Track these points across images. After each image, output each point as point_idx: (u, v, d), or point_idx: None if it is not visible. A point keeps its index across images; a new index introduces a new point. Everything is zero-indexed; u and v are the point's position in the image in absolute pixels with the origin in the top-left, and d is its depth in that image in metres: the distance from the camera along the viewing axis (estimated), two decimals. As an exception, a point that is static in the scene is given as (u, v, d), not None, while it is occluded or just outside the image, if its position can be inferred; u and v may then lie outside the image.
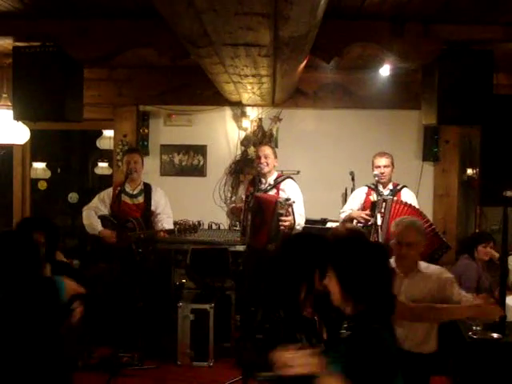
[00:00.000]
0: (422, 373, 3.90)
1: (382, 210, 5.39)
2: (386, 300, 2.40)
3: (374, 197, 5.65)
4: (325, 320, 2.65)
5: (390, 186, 5.69)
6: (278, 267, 2.87)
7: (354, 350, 2.24)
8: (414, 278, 3.88)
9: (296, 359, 2.17)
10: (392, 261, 3.84)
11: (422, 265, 3.96)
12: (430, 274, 3.89)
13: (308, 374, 2.16)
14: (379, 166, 5.65)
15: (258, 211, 5.39)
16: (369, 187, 5.78)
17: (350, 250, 2.43)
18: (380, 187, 5.68)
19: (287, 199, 5.40)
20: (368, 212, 5.51)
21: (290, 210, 5.35)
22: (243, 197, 5.78)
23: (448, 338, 5.19)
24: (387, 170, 5.64)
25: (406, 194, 5.69)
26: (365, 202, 5.73)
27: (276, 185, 5.67)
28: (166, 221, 5.90)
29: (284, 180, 5.72)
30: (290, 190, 5.65)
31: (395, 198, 5.49)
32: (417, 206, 5.56)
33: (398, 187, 5.70)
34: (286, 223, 5.33)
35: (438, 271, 3.94)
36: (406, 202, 5.46)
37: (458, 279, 5.78)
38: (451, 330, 5.10)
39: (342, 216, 5.80)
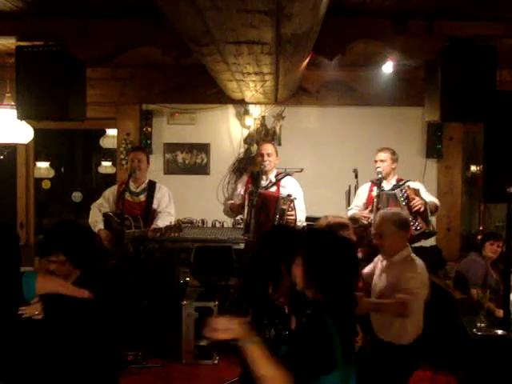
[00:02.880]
0: (403, 363, 3.92)
1: (379, 206, 5.41)
2: (346, 293, 2.48)
3: (375, 192, 5.66)
4: (293, 309, 2.75)
5: (393, 181, 5.70)
6: (252, 259, 3.04)
7: (294, 337, 2.42)
8: (387, 267, 4.03)
9: (221, 325, 2.30)
10: None
11: (401, 255, 4.00)
12: (398, 266, 3.94)
13: (230, 339, 2.29)
14: (376, 161, 5.70)
15: (263, 208, 5.40)
16: (372, 182, 5.81)
17: (317, 240, 2.56)
18: (383, 182, 5.68)
19: (289, 195, 5.45)
20: (367, 213, 5.57)
21: (292, 205, 5.38)
22: (241, 194, 5.77)
23: (452, 334, 5.21)
24: (384, 165, 5.65)
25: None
26: (368, 197, 5.76)
27: (276, 182, 5.70)
28: (163, 219, 5.80)
29: (284, 177, 5.78)
30: (290, 186, 5.70)
31: (393, 192, 5.51)
32: (424, 193, 5.59)
33: (401, 182, 5.70)
34: (291, 219, 5.36)
35: (406, 266, 3.95)
36: (408, 186, 5.51)
37: (465, 275, 5.83)
38: (455, 326, 5.11)
39: (349, 214, 5.83)
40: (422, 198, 5.44)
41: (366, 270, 4.31)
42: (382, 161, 5.67)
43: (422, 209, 5.38)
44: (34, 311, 3.09)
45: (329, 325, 2.34)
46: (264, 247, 2.92)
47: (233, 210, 5.93)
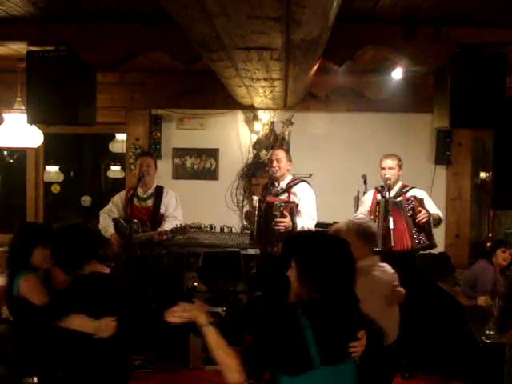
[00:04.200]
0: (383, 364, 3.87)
1: (376, 213, 5.39)
2: (342, 291, 2.51)
3: (378, 199, 5.65)
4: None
5: (397, 188, 5.67)
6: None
7: (265, 333, 2.50)
8: None
9: (179, 309, 2.59)
10: None
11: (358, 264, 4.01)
12: None
13: (185, 321, 2.59)
14: (384, 168, 5.66)
15: (265, 215, 5.43)
16: (376, 189, 5.78)
17: (308, 241, 2.62)
18: (386, 189, 5.67)
19: (286, 201, 5.42)
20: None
21: (286, 211, 5.31)
22: (256, 201, 5.78)
23: (461, 342, 5.18)
24: (392, 172, 5.62)
25: (414, 194, 5.65)
26: (372, 204, 5.73)
27: (288, 189, 5.63)
28: (169, 222, 5.80)
29: (297, 184, 5.68)
30: (301, 193, 5.61)
31: (399, 201, 5.49)
32: (428, 203, 5.54)
33: (405, 189, 5.67)
34: (281, 225, 5.30)
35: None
36: (414, 196, 5.49)
37: (474, 282, 5.80)
38: (464, 334, 5.09)
39: None
40: (427, 210, 5.40)
41: None
42: (390, 168, 5.63)
43: (426, 221, 5.34)
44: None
45: (304, 326, 2.39)
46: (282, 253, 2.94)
47: (247, 218, 6.09)
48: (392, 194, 5.62)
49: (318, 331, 2.40)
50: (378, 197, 5.65)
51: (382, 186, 5.70)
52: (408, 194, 5.62)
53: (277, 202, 5.38)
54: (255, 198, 5.66)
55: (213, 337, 2.53)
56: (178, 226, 5.57)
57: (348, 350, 2.50)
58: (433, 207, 5.62)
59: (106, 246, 5.77)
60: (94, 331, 3.17)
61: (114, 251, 5.65)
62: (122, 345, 3.26)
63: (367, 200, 5.83)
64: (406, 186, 5.71)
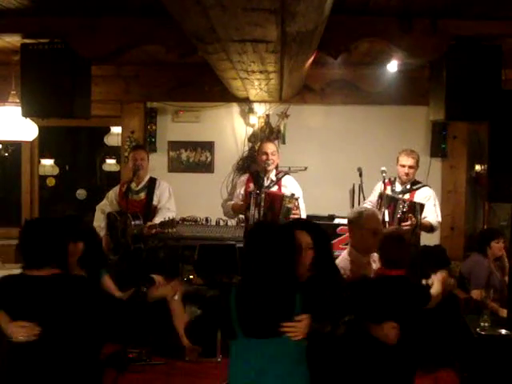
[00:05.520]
0: None
1: (382, 209, 5.40)
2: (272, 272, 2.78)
3: (388, 190, 5.64)
4: None
5: (408, 184, 5.67)
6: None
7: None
8: None
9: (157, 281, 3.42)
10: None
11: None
12: None
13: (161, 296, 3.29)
14: (404, 166, 5.62)
15: (270, 207, 5.42)
16: (389, 180, 5.74)
17: (253, 231, 3.03)
18: (397, 182, 5.67)
19: (292, 194, 5.47)
20: None
21: (297, 204, 5.40)
22: (242, 194, 5.76)
23: (456, 334, 5.20)
24: (412, 171, 5.62)
25: (423, 192, 5.68)
26: (380, 195, 5.72)
27: (278, 181, 5.70)
28: (161, 215, 5.78)
29: (284, 176, 5.78)
30: (291, 185, 5.72)
31: (398, 198, 5.49)
32: (430, 203, 5.58)
33: (415, 186, 5.68)
34: (296, 217, 5.35)
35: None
36: (410, 201, 5.49)
37: (468, 276, 5.80)
38: (459, 326, 5.11)
39: None
40: (416, 218, 5.35)
41: None
42: (411, 167, 5.61)
43: (408, 231, 5.25)
44: None
45: (231, 303, 2.77)
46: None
47: (235, 211, 5.87)
48: (400, 188, 5.61)
49: (240, 308, 2.75)
50: (389, 189, 5.63)
51: (395, 178, 5.71)
52: (417, 192, 5.64)
53: (287, 195, 5.44)
54: (252, 191, 5.62)
55: (178, 310, 3.27)
56: (167, 219, 5.52)
57: (279, 328, 2.70)
58: (432, 212, 5.63)
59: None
60: (8, 334, 2.92)
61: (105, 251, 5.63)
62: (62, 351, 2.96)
63: (378, 189, 5.78)
64: (418, 183, 5.70)
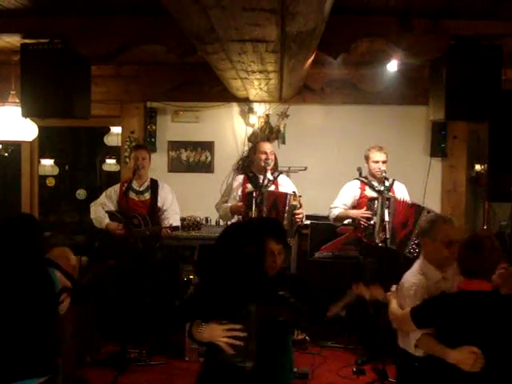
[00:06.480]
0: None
1: (377, 208, 5.37)
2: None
3: (369, 192, 5.63)
4: None
5: (386, 182, 5.63)
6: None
7: None
8: None
9: None
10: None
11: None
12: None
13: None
14: (378, 162, 5.58)
15: (273, 206, 5.41)
16: (361, 181, 5.72)
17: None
18: (374, 182, 5.64)
19: (294, 192, 5.47)
20: (366, 212, 5.49)
21: (301, 201, 5.41)
22: (239, 195, 5.74)
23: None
24: (385, 166, 5.58)
25: (398, 187, 5.68)
26: (360, 197, 5.68)
27: (274, 180, 5.70)
28: (172, 217, 5.87)
29: (279, 175, 5.81)
30: (286, 184, 5.73)
31: (398, 196, 5.49)
32: (407, 197, 5.58)
33: (390, 181, 5.65)
34: (300, 215, 5.39)
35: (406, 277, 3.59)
36: (404, 198, 5.48)
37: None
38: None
39: (336, 212, 5.73)
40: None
41: None
42: (383, 162, 5.57)
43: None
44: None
45: (198, 288, 3.31)
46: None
47: (233, 212, 5.71)
48: (382, 187, 5.58)
49: (206, 295, 3.09)
50: (369, 191, 5.62)
51: (366, 178, 5.69)
52: (395, 188, 5.64)
53: (291, 193, 5.43)
54: (250, 191, 5.61)
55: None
56: (191, 223, 5.68)
57: None
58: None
59: (99, 238, 5.78)
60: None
61: (119, 236, 5.63)
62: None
63: (353, 192, 5.73)
64: (388, 179, 5.67)
